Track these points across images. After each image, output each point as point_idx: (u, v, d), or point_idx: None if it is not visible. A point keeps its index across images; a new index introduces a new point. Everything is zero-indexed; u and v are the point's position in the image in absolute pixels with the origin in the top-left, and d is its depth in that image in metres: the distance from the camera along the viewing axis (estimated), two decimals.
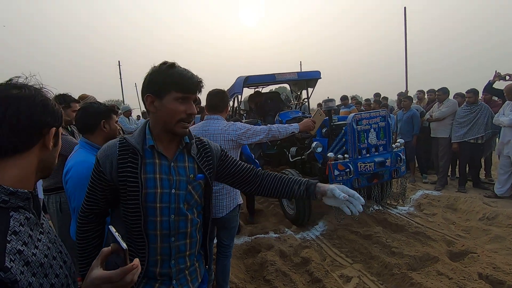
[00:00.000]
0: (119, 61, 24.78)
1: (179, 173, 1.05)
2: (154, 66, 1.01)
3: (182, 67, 1.02)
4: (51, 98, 0.68)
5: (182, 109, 0.99)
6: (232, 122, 2.07)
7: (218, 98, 2.09)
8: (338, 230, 3.42)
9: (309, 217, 3.60)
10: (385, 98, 6.74)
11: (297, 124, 2.26)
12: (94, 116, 1.61)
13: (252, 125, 2.08)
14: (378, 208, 3.83)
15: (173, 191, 1.03)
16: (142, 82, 1.03)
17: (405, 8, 7.36)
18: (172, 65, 0.99)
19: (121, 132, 4.09)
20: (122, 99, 26.30)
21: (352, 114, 3.31)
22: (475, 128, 4.41)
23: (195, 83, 1.01)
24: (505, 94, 4.05)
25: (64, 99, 2.24)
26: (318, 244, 3.23)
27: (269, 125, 2.16)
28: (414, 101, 6.34)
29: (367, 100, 7.72)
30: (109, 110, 1.67)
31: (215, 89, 2.13)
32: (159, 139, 1.04)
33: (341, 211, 3.54)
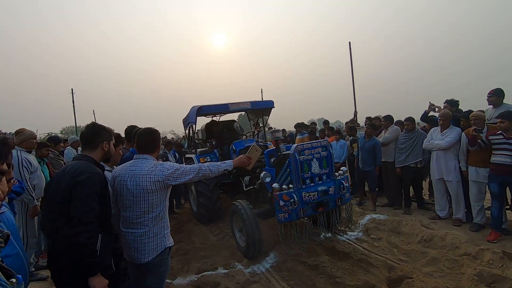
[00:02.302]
0: (72, 89, 24.49)
1: None
2: None
3: None
4: None
5: None
6: (161, 162, 2.02)
7: (148, 138, 2.03)
8: (288, 261, 3.39)
9: (260, 249, 3.54)
10: (331, 128, 7.13)
11: (231, 161, 2.27)
12: None
13: (181, 165, 2.04)
14: (327, 236, 3.89)
15: None
16: None
17: (349, 43, 8.05)
18: None
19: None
20: (75, 127, 25.80)
21: (295, 145, 3.43)
22: (414, 153, 4.75)
23: None
24: (440, 120, 4.27)
25: None
26: (267, 278, 3.16)
27: (200, 163, 2.15)
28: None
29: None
30: None
31: (145, 129, 2.08)
32: None
33: (290, 242, 3.47)
